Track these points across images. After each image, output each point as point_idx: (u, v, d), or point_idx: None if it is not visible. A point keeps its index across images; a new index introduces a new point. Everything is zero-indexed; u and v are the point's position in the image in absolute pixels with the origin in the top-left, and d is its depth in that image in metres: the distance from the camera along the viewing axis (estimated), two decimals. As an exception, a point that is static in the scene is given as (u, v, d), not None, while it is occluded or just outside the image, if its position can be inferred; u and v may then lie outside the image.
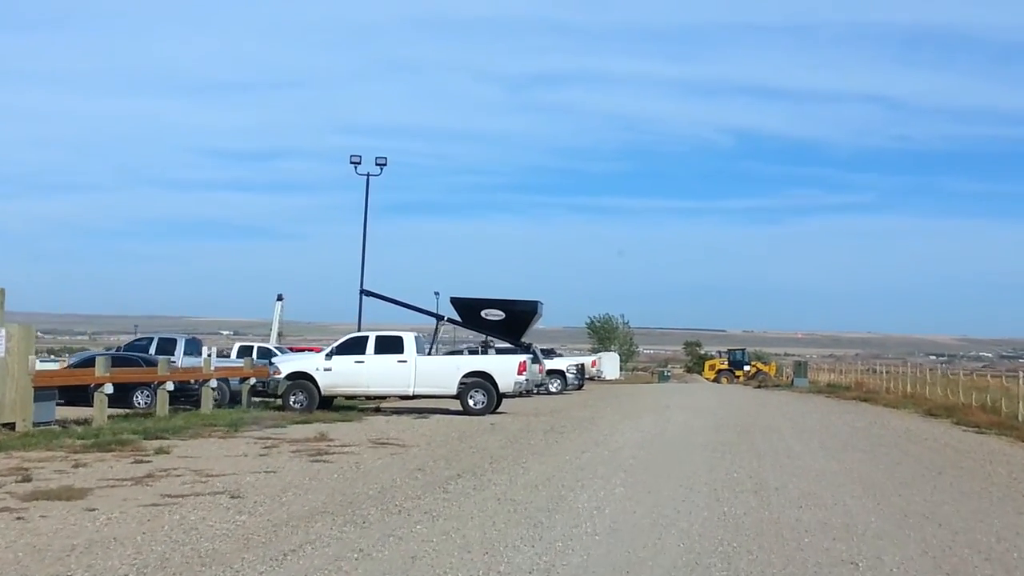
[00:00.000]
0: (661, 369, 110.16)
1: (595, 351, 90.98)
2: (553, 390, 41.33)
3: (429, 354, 27.51)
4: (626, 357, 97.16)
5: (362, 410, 26.65)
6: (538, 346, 48.43)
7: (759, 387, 58.14)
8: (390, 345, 26.55)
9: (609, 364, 76.69)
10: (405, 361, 26.37)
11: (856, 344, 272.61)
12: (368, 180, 40.44)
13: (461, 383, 26.33)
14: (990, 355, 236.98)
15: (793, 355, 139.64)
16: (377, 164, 40.26)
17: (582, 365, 43.74)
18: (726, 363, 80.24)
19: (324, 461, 14.52)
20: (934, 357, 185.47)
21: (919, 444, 18.93)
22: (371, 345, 26.50)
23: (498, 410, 27.44)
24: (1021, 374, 28.24)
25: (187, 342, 31.06)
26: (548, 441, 18.44)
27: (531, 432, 20.48)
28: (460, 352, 40.67)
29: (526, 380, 26.65)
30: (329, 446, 16.74)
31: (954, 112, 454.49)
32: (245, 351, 36.89)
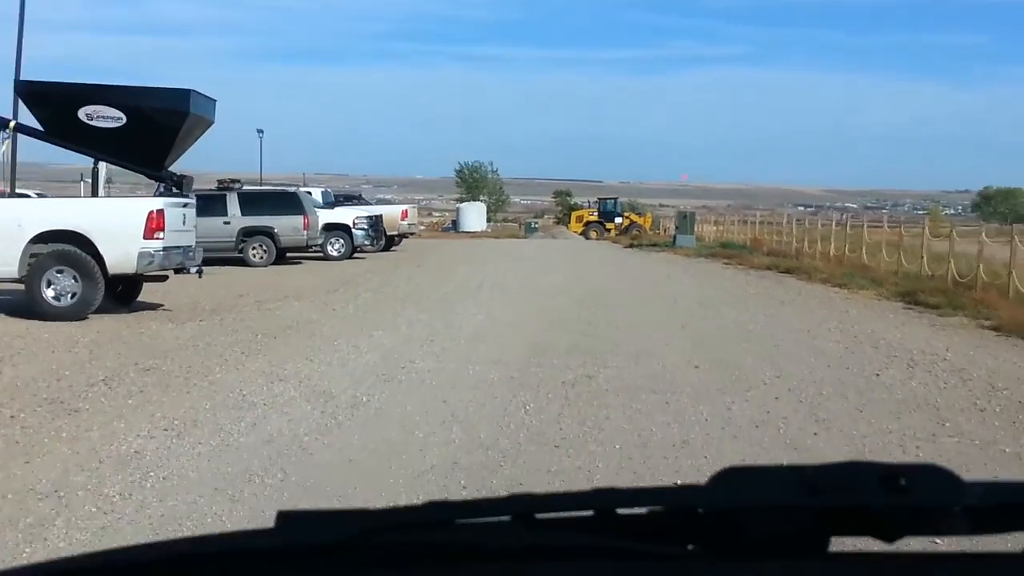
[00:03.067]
0: (529, 221, 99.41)
1: (462, 201, 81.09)
2: (334, 254, 27.97)
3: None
4: (496, 207, 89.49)
5: None
6: (324, 191, 34.98)
7: (632, 245, 45.96)
8: None
9: (474, 215, 66.17)
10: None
11: (728, 195, 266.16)
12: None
13: (31, 257, 12.88)
14: (855, 206, 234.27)
15: (668, 206, 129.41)
16: None
17: (379, 217, 30.12)
18: (596, 215, 67.93)
19: None
20: (802, 208, 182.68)
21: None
22: None
23: (140, 299, 14.36)
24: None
25: None
26: None
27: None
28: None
29: (163, 250, 13.15)
30: None
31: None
32: None
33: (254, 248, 25.21)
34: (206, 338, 11.35)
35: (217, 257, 24.58)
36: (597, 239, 59.90)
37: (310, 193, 30.14)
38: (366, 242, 28.74)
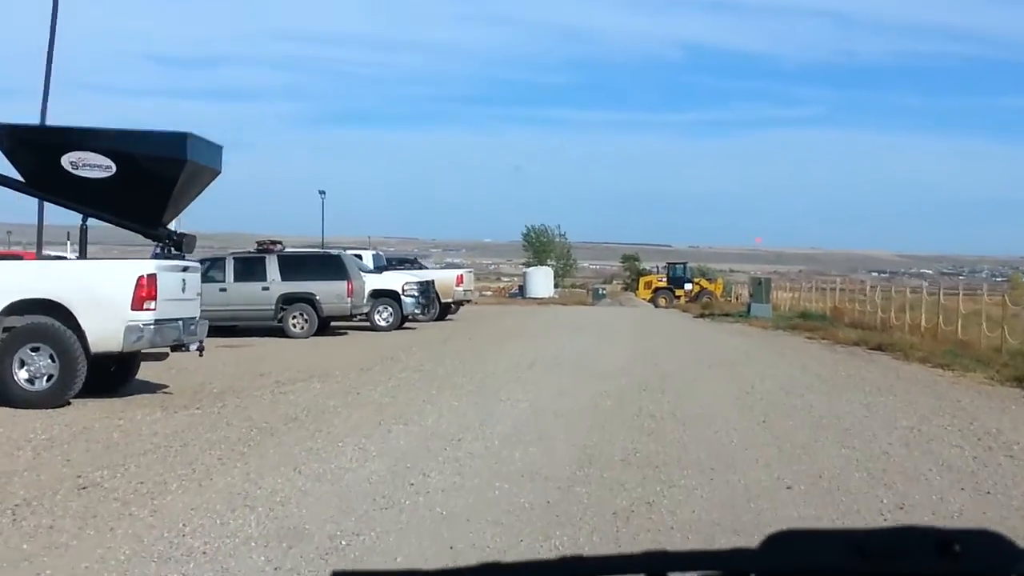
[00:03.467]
0: (597, 286, 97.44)
1: (529, 265, 79.49)
2: (381, 323, 26.10)
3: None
4: (563, 272, 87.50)
5: None
6: (375, 254, 33.30)
7: (703, 314, 43.53)
8: None
9: (541, 280, 64.99)
10: None
11: (799, 260, 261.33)
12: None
13: (4, 332, 11.17)
14: (931, 272, 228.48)
15: (738, 271, 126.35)
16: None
17: (430, 283, 28.23)
18: (664, 280, 65.53)
19: None
20: (876, 274, 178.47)
21: None
22: None
23: (144, 378, 12.66)
24: None
25: None
26: None
27: None
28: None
29: (155, 323, 11.31)
30: None
31: (900, 27, 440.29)
32: None
33: (294, 317, 23.43)
34: (189, 434, 9.45)
35: (255, 327, 22.92)
36: (666, 306, 57.61)
37: (359, 256, 28.44)
38: (416, 310, 26.80)
